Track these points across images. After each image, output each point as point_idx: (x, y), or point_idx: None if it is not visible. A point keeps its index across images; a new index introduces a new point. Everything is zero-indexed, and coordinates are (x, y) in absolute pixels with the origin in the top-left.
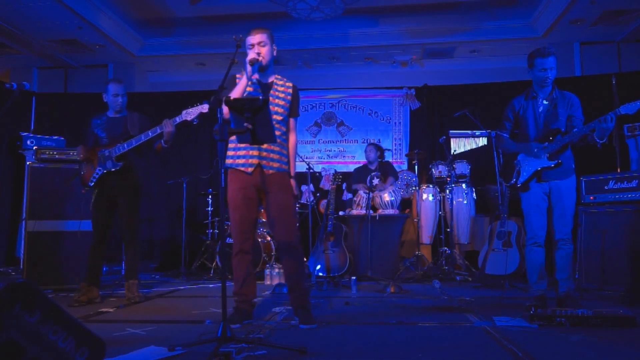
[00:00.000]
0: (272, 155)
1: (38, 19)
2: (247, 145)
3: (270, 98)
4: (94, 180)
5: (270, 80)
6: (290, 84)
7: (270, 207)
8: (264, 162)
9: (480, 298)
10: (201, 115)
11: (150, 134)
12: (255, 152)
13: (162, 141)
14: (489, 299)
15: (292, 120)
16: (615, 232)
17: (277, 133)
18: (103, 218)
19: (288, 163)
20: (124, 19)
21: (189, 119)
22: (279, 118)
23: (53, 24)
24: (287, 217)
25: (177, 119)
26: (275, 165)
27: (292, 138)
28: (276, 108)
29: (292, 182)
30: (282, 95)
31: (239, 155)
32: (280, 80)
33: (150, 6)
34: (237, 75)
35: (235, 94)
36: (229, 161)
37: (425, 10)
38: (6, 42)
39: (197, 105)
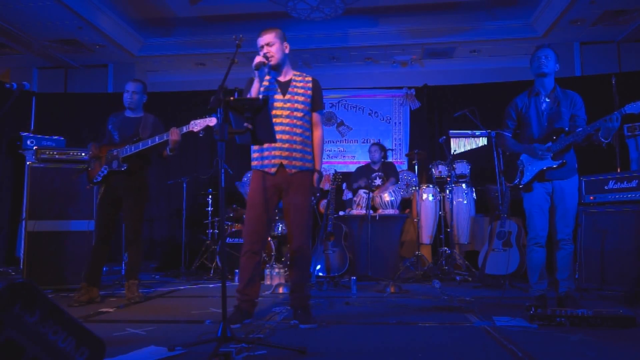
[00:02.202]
0: (294, 154)
1: (38, 19)
2: (271, 145)
3: (289, 95)
4: (99, 178)
5: (288, 77)
6: (310, 78)
7: (286, 208)
8: (285, 161)
9: (480, 298)
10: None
11: (157, 139)
12: (278, 152)
13: (168, 149)
14: (489, 299)
15: (315, 115)
16: (615, 232)
17: (299, 131)
18: (107, 218)
19: (312, 160)
20: (124, 19)
21: (195, 130)
22: (300, 115)
23: (53, 24)
24: (300, 220)
25: (184, 129)
26: (298, 164)
27: (317, 133)
28: (296, 105)
29: (315, 176)
30: (301, 91)
31: (263, 156)
32: (299, 75)
33: (150, 6)
34: (255, 80)
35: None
36: (254, 163)
37: (425, 10)
38: (6, 42)
39: (205, 118)
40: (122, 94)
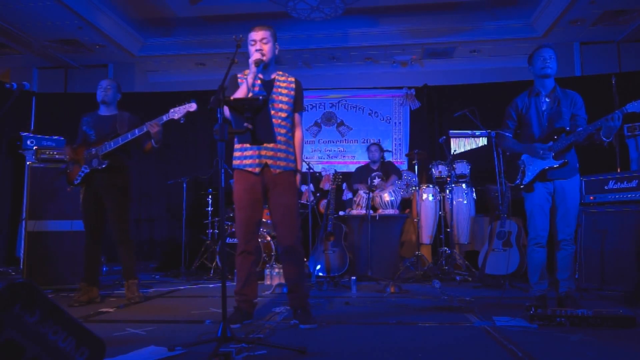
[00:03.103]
0: (278, 154)
1: (38, 19)
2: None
3: (274, 95)
4: (79, 178)
5: (272, 77)
6: (293, 79)
7: (274, 207)
8: (270, 161)
9: (480, 298)
10: (189, 114)
11: (136, 132)
12: (262, 152)
13: (153, 141)
14: (489, 299)
15: (297, 116)
16: (615, 232)
17: (283, 131)
18: (93, 218)
19: (295, 161)
20: (124, 19)
21: (175, 117)
22: (284, 115)
23: (53, 24)
24: (290, 219)
25: (164, 118)
26: (282, 164)
27: (298, 133)
28: (280, 105)
29: (298, 177)
30: (285, 91)
31: (246, 155)
32: (282, 76)
33: (150, 6)
34: (239, 75)
35: (240, 94)
36: (236, 162)
37: (425, 10)
38: (6, 42)
39: (184, 104)
40: (122, 94)
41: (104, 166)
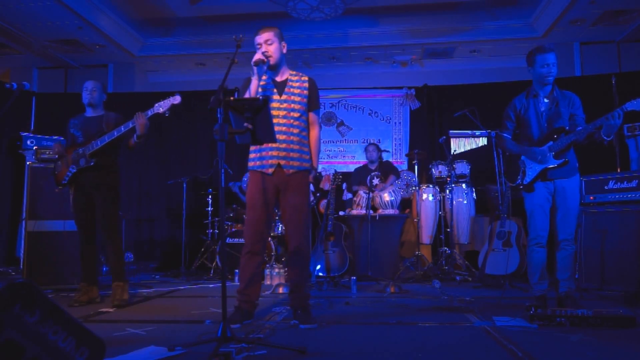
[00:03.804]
0: (292, 154)
1: (38, 19)
2: (268, 145)
3: (285, 95)
4: (67, 179)
5: (284, 77)
6: (306, 77)
7: (284, 208)
8: (283, 162)
9: (480, 298)
10: (173, 107)
11: (122, 129)
12: (275, 153)
13: (135, 136)
14: (489, 299)
15: (312, 114)
16: (615, 232)
17: (296, 130)
18: (84, 218)
19: (310, 160)
20: (124, 19)
21: (160, 111)
22: (297, 115)
23: (53, 24)
24: (299, 221)
25: (150, 112)
26: (296, 164)
27: (314, 132)
28: (292, 105)
29: (312, 173)
30: (297, 91)
31: (259, 157)
32: (296, 75)
33: (150, 6)
34: (253, 78)
35: (248, 95)
36: (250, 164)
37: (425, 10)
38: (6, 42)
39: (168, 98)
40: (122, 95)
41: (91, 164)
